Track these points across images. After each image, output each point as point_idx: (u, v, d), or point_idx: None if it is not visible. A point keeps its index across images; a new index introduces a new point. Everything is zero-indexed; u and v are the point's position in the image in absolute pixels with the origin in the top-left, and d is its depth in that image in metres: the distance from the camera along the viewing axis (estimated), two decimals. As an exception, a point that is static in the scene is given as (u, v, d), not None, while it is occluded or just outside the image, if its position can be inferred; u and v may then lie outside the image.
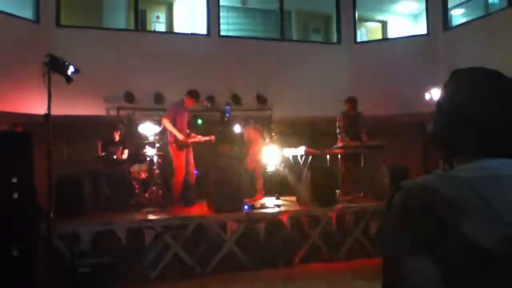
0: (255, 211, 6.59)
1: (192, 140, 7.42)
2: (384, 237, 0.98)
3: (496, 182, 0.89)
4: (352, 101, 8.14)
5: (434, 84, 8.13)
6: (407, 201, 0.92)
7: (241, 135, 8.43)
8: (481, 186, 0.87)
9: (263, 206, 6.96)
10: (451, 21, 10.54)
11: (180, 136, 7.18)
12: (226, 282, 5.74)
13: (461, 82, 1.05)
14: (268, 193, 7.99)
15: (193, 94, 7.40)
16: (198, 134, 7.60)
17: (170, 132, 7.25)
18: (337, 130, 8.08)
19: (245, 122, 8.31)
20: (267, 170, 8.31)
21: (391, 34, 12.31)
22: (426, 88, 8.28)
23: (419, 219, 0.89)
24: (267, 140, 8.13)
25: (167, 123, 7.23)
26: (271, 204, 7.20)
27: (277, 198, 7.86)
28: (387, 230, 0.96)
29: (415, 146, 10.29)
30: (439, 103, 1.07)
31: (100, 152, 8.09)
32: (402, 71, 10.07)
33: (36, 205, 5.32)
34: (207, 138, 7.62)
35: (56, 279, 5.07)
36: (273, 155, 8.10)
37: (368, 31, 12.46)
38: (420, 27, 11.42)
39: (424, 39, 10.67)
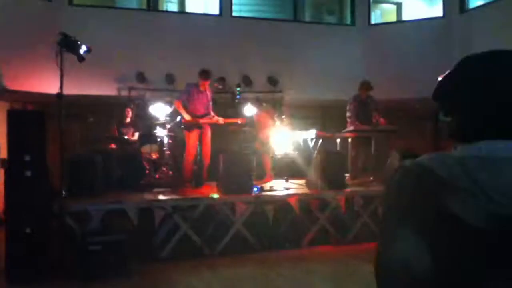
0: (264, 193, 6.61)
1: (206, 121, 7.40)
2: (381, 211, 1.04)
3: (490, 163, 0.90)
4: (366, 85, 8.05)
5: (449, 68, 8.00)
6: (402, 178, 0.97)
7: (252, 117, 8.40)
8: (473, 166, 0.89)
9: (272, 189, 6.98)
10: (467, 3, 10.29)
11: (186, 117, 7.21)
12: (234, 263, 5.80)
13: (468, 70, 1.05)
14: (278, 176, 8.00)
15: (201, 74, 7.33)
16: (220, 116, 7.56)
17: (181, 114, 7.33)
18: (347, 114, 8.02)
19: (256, 105, 8.28)
20: (277, 153, 8.29)
21: (406, 17, 12.08)
22: (440, 73, 8.09)
23: (412, 195, 0.93)
24: (278, 123, 8.10)
25: (177, 105, 7.33)
26: (280, 186, 7.22)
27: (287, 181, 7.86)
28: (384, 204, 1.02)
29: (427, 131, 10.20)
30: (444, 88, 1.10)
31: (114, 132, 8.16)
32: (417, 55, 9.92)
33: (48, 183, 5.40)
34: (231, 120, 7.66)
35: (67, 257, 5.17)
36: (283, 138, 8.08)
37: (382, 13, 12.25)
38: (436, 10, 11.19)
39: (439, 21, 10.45)
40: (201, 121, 7.35)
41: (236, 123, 7.82)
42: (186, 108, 7.26)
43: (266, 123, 7.93)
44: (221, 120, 7.46)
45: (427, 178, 0.91)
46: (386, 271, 0.94)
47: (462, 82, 1.05)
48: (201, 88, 7.39)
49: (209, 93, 7.55)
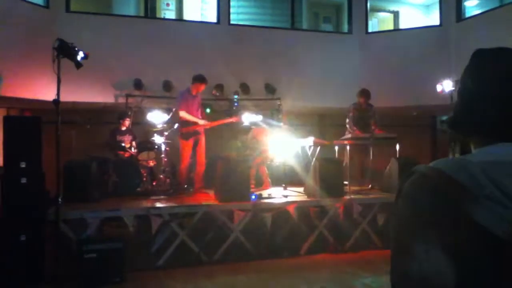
0: (262, 201, 6.57)
1: (208, 125, 7.36)
2: (393, 222, 0.94)
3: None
4: (365, 94, 8.03)
5: (446, 76, 8.02)
6: (419, 186, 0.90)
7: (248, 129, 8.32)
8: (495, 172, 0.84)
9: (270, 196, 6.93)
10: (464, 12, 10.36)
11: (201, 122, 7.23)
12: (232, 271, 5.74)
13: (481, 62, 1.01)
14: (276, 184, 7.96)
15: (199, 78, 7.24)
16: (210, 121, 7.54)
17: (181, 122, 7.25)
18: (347, 120, 8.01)
19: (252, 124, 8.23)
20: (275, 161, 8.25)
21: (403, 25, 12.15)
22: (437, 80, 8.15)
23: (430, 205, 0.86)
24: (272, 139, 8.01)
25: (183, 114, 7.18)
26: (278, 194, 7.17)
27: (285, 188, 7.81)
28: (397, 215, 0.93)
29: (425, 138, 10.20)
30: (460, 84, 1.03)
31: (110, 140, 8.10)
32: (414, 63, 9.95)
33: (44, 190, 5.34)
34: (224, 121, 7.62)
35: (62, 265, 5.09)
36: (281, 146, 8.04)
37: (379, 22, 12.30)
38: (433, 18, 11.26)
39: (436, 30, 10.51)
40: (199, 127, 7.29)
41: (231, 122, 7.77)
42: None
43: (262, 142, 7.88)
44: (206, 123, 7.39)
45: (447, 186, 0.84)
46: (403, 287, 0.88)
47: (475, 77, 0.99)
48: (193, 93, 7.35)
49: (199, 98, 7.54)
